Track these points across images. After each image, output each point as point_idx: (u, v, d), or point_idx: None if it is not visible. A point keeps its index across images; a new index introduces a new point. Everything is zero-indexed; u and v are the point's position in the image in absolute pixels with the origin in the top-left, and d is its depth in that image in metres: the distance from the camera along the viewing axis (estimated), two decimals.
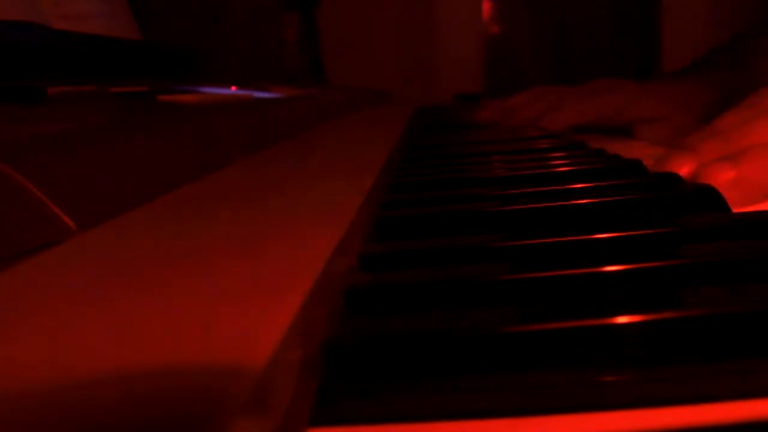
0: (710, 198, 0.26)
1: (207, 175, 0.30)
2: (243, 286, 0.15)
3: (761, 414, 0.13)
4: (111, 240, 0.20)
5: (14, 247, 0.18)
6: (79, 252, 0.19)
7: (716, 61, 0.69)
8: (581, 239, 0.22)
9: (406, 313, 0.18)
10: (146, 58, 0.64)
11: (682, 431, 0.13)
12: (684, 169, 0.33)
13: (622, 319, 0.16)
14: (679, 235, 0.22)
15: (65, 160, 0.24)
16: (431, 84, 1.50)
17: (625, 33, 1.55)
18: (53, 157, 0.24)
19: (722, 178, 0.30)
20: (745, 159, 0.31)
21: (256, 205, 0.25)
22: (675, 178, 0.31)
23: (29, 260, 0.17)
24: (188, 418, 0.10)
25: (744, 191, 0.30)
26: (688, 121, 0.64)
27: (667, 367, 0.15)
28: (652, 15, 1.54)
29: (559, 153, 0.45)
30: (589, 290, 0.19)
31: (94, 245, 0.19)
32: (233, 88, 0.69)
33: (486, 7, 1.55)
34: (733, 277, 0.19)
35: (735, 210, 0.26)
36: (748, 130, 0.34)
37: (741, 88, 0.55)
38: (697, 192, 0.27)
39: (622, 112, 0.66)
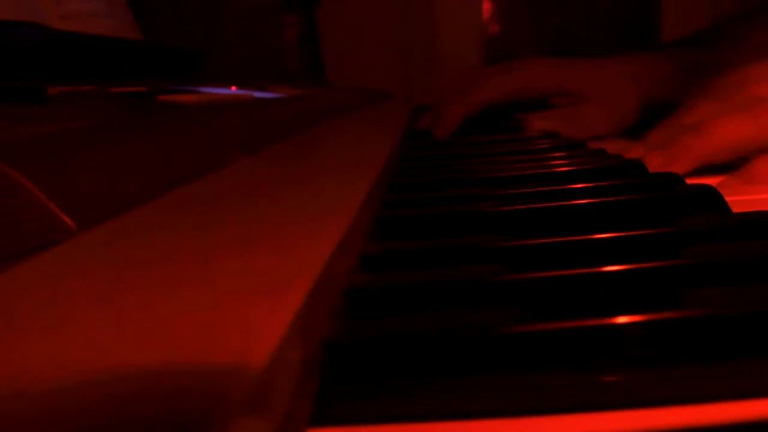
0: (710, 198, 0.26)
1: (207, 175, 0.30)
2: (243, 286, 0.15)
3: (761, 414, 0.13)
4: (111, 240, 0.20)
5: (14, 247, 0.18)
6: (79, 252, 0.19)
7: (686, 41, 0.68)
8: (581, 239, 0.22)
9: (407, 314, 0.18)
10: (146, 58, 0.64)
11: (682, 431, 0.13)
12: (634, 154, 0.39)
13: (622, 319, 0.16)
14: (679, 236, 0.22)
15: (65, 160, 0.24)
16: (431, 84, 1.49)
17: (625, 33, 1.55)
18: (53, 157, 0.24)
19: (654, 164, 0.36)
20: (672, 144, 0.36)
21: (256, 204, 0.25)
22: (675, 178, 0.31)
23: (29, 260, 0.17)
24: (188, 418, 0.10)
25: (675, 167, 0.35)
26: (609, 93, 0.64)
27: (667, 367, 0.15)
28: (652, 16, 1.54)
29: (560, 153, 0.45)
30: (589, 290, 0.19)
31: (94, 245, 0.19)
32: (233, 88, 0.69)
33: (486, 7, 1.55)
34: (733, 278, 0.19)
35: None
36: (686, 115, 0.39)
37: (710, 65, 0.55)
38: (697, 192, 0.27)
39: (533, 86, 0.65)
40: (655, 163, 0.36)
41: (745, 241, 0.22)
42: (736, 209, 0.26)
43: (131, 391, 0.11)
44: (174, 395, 0.10)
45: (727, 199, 0.26)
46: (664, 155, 0.36)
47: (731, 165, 0.36)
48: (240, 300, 0.14)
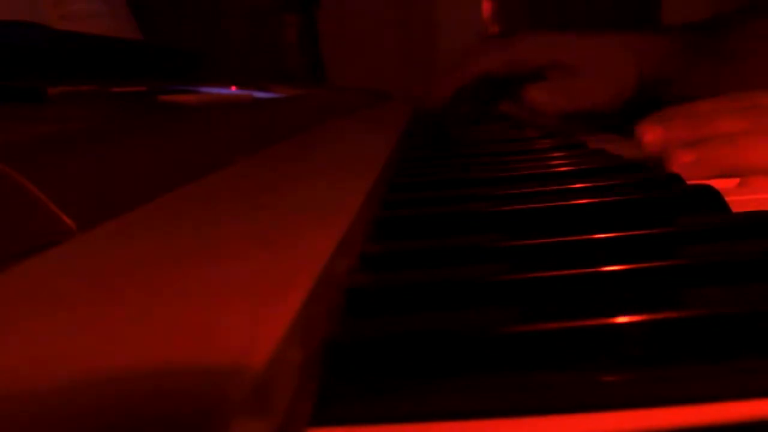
0: (710, 198, 0.26)
1: (207, 175, 0.30)
2: (243, 286, 0.15)
3: (761, 414, 0.13)
4: (111, 240, 0.20)
5: (14, 247, 0.18)
6: (79, 252, 0.19)
7: (689, 26, 0.67)
8: (581, 239, 0.22)
9: (407, 314, 0.18)
10: (146, 58, 0.64)
11: (682, 431, 0.13)
12: (650, 135, 0.39)
13: (622, 319, 0.16)
14: (679, 235, 0.22)
15: (65, 160, 0.24)
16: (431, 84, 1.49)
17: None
18: (53, 157, 0.24)
19: (683, 161, 0.36)
20: (704, 145, 0.37)
21: (256, 204, 0.25)
22: (676, 178, 0.31)
23: (29, 260, 0.17)
24: (188, 419, 0.10)
25: (701, 170, 0.36)
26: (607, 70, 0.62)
27: (667, 367, 0.15)
28: (652, 16, 1.54)
29: (560, 153, 0.45)
30: (588, 290, 0.19)
31: (94, 245, 0.19)
32: (233, 88, 0.69)
33: (486, 7, 1.55)
34: (733, 278, 0.19)
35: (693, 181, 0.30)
36: (718, 120, 0.39)
37: (714, 51, 0.55)
38: (697, 192, 0.27)
39: (525, 57, 0.65)
40: (685, 160, 0.36)
41: (745, 241, 0.22)
42: (736, 209, 0.26)
43: (130, 391, 0.11)
44: (174, 395, 0.10)
45: (727, 199, 0.26)
46: (697, 155, 0.36)
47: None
48: (240, 300, 0.14)
